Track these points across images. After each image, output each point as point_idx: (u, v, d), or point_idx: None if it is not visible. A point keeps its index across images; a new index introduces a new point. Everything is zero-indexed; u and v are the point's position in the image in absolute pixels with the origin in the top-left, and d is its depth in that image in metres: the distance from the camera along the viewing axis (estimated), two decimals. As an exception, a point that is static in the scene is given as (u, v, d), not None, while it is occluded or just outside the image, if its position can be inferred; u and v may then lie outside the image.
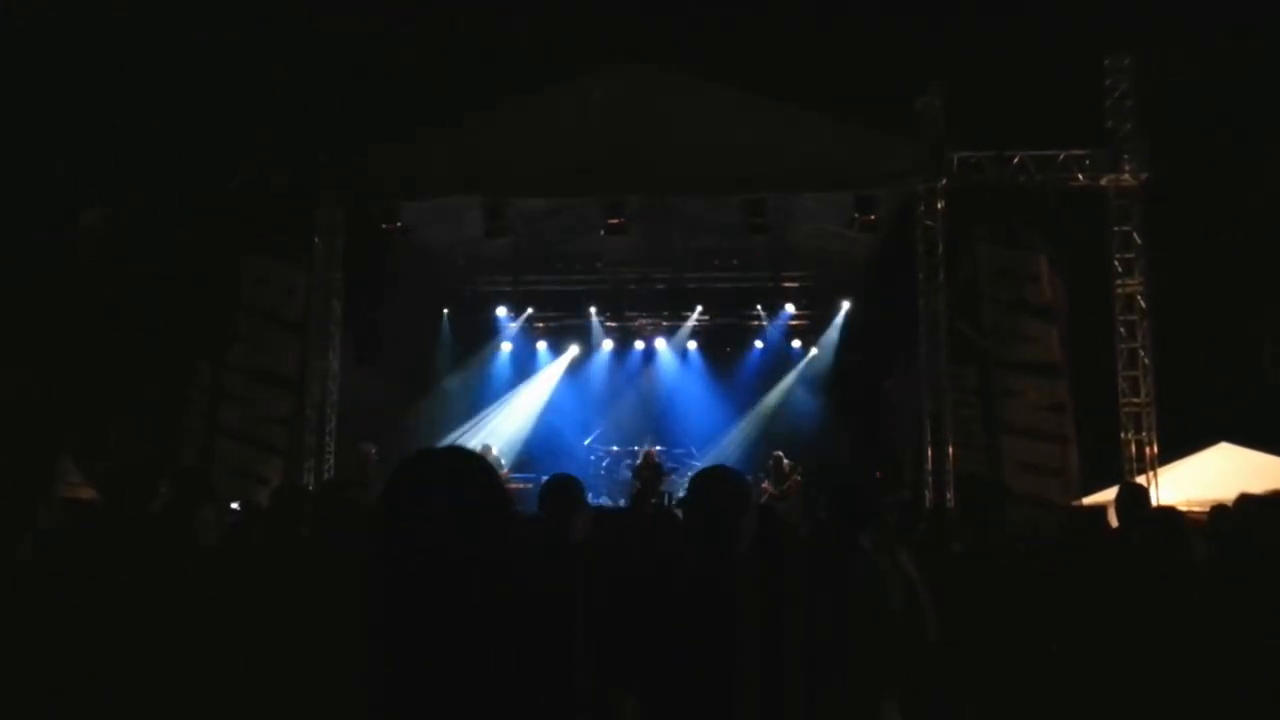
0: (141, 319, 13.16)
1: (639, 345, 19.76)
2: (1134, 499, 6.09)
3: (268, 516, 4.76)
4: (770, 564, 3.18)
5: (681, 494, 14.82)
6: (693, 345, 19.63)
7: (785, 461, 16.27)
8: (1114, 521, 6.03)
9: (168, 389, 13.23)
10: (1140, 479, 12.29)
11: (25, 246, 12.64)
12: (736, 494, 3.01)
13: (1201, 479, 11.96)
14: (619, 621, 3.12)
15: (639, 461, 16.94)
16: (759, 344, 19.43)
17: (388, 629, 1.76)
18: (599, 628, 3.24)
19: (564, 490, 4.08)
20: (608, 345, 19.71)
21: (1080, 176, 13.18)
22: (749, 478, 11.59)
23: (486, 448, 15.84)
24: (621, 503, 16.17)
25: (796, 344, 19.37)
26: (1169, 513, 5.04)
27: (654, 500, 14.81)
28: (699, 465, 16.72)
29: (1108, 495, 12.52)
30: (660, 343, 19.68)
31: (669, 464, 17.66)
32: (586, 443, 18.74)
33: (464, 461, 1.93)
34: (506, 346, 19.55)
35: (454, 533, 1.78)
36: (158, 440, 12.88)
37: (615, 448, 18.26)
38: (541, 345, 19.74)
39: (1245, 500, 3.62)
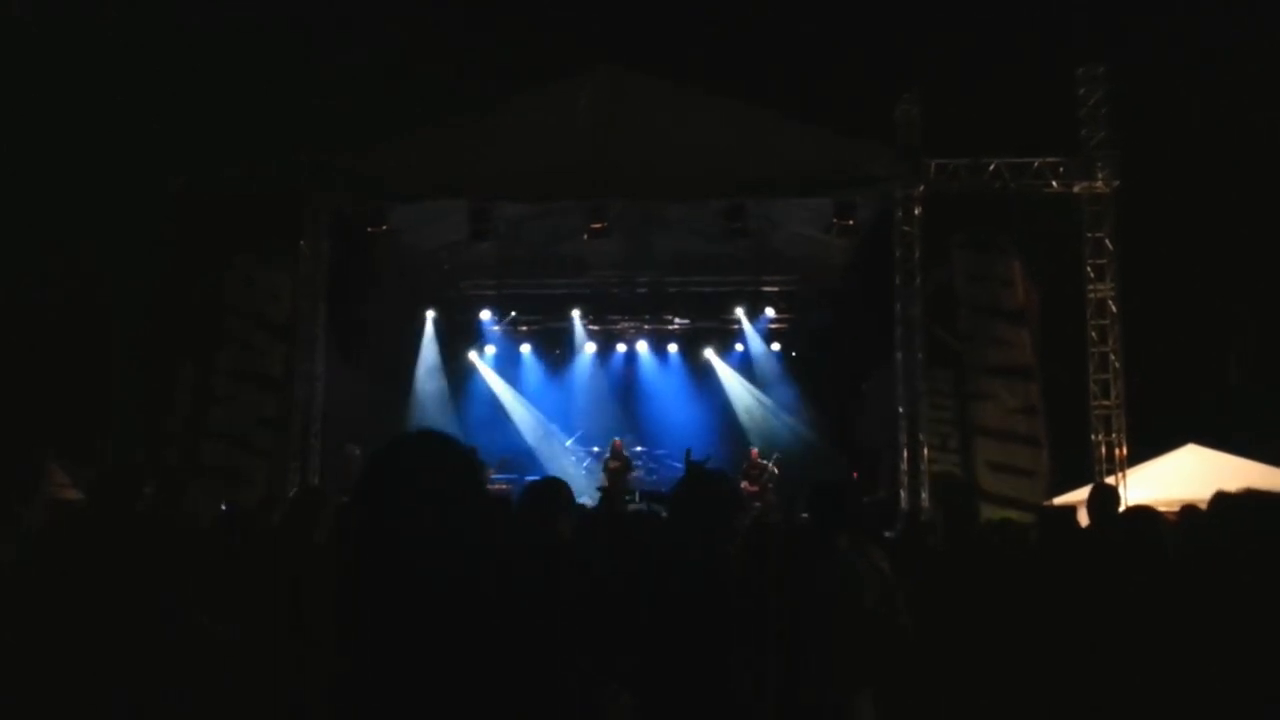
0: (127, 320, 13.22)
1: (621, 348, 19.91)
2: (1105, 499, 6.31)
3: (285, 520, 4.87)
4: (756, 563, 3.33)
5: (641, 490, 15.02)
6: (674, 348, 19.80)
7: (761, 459, 16.51)
8: (1084, 521, 6.24)
9: (153, 390, 13.29)
10: (1110, 480, 12.54)
11: (9, 248, 12.66)
12: (727, 495, 3.13)
13: (1170, 480, 12.20)
14: (613, 619, 3.22)
15: (608, 454, 17.15)
16: (739, 347, 19.62)
17: (365, 618, 1.78)
18: (592, 625, 3.32)
19: (549, 492, 4.07)
20: (590, 348, 19.85)
21: (1054, 184, 13.41)
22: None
23: (470, 449, 15.95)
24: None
25: (776, 347, 19.55)
26: (1142, 510, 5.23)
27: (627, 499, 14.95)
28: (679, 467, 16.93)
29: (1078, 496, 12.81)
30: (642, 345, 19.84)
31: (646, 462, 17.92)
32: (568, 444, 18.91)
33: (436, 446, 1.96)
34: (490, 349, 19.67)
35: (426, 516, 1.81)
36: (143, 441, 12.93)
37: (597, 449, 18.42)
38: (525, 348, 19.87)
39: (1221, 497, 3.73)
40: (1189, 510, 5.88)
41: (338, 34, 16.23)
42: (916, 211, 13.62)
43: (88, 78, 13.45)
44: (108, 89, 13.47)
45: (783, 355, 19.51)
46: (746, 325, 19.19)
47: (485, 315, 19.14)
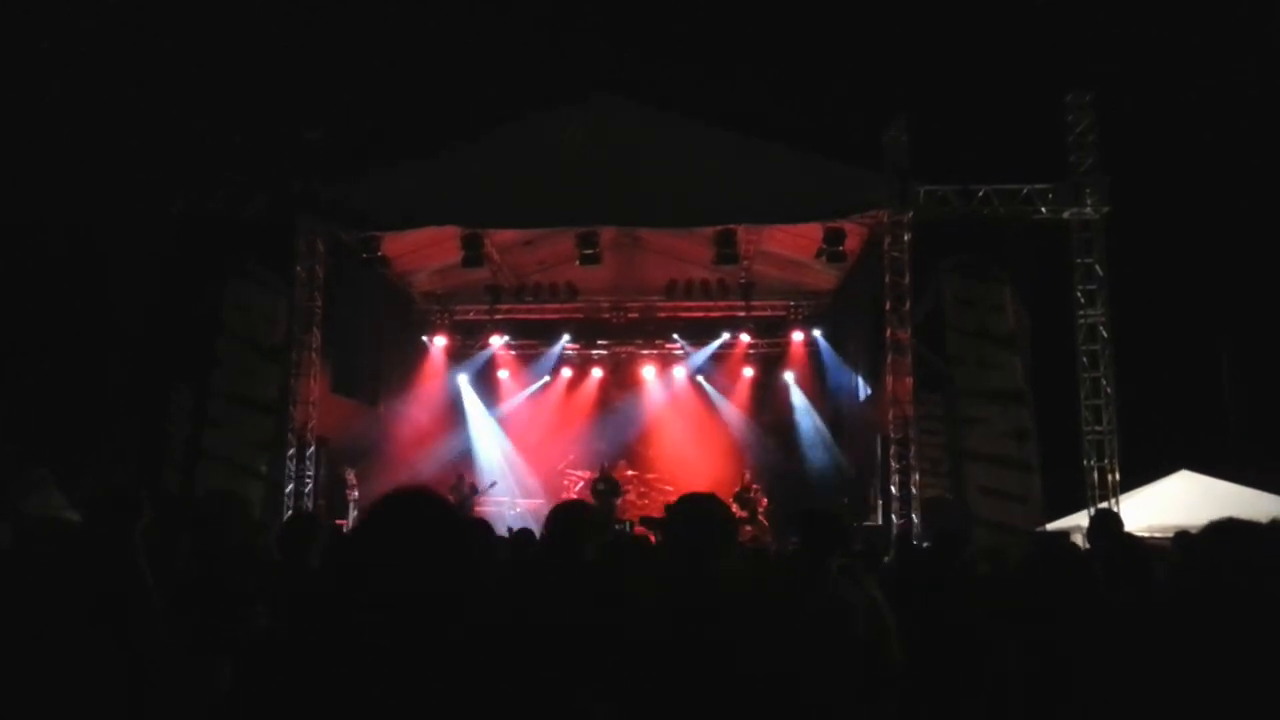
0: (123, 342, 13.20)
1: (613, 373, 19.91)
2: (1104, 524, 6.30)
3: (279, 545, 4.83)
4: (749, 589, 3.32)
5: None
6: (664, 373, 19.78)
7: (752, 484, 16.49)
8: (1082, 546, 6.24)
9: (149, 413, 13.25)
10: (1103, 506, 12.54)
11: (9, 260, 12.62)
12: (720, 521, 3.11)
13: (1163, 506, 12.23)
14: (603, 638, 3.20)
15: (596, 475, 17.13)
16: (729, 371, 19.62)
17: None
18: (595, 647, 3.28)
19: (574, 515, 4.09)
20: (582, 373, 19.86)
21: (1043, 210, 13.48)
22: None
23: (460, 470, 16.01)
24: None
25: (766, 372, 19.55)
26: (1132, 539, 5.24)
27: (618, 526, 14.90)
28: (669, 490, 16.93)
29: (1071, 521, 12.83)
30: (633, 370, 19.84)
31: (638, 486, 17.93)
32: (560, 468, 18.89)
33: (422, 509, 1.96)
34: (483, 373, 19.64)
35: (408, 579, 1.82)
36: (139, 463, 12.89)
37: (588, 473, 18.39)
38: (517, 372, 19.85)
39: (1221, 525, 3.67)
40: (1182, 537, 5.88)
41: (331, 64, 16.29)
42: (906, 237, 13.68)
43: (85, 94, 13.44)
44: (103, 108, 13.46)
45: (772, 380, 19.50)
46: (736, 350, 19.20)
47: (478, 339, 19.16)
